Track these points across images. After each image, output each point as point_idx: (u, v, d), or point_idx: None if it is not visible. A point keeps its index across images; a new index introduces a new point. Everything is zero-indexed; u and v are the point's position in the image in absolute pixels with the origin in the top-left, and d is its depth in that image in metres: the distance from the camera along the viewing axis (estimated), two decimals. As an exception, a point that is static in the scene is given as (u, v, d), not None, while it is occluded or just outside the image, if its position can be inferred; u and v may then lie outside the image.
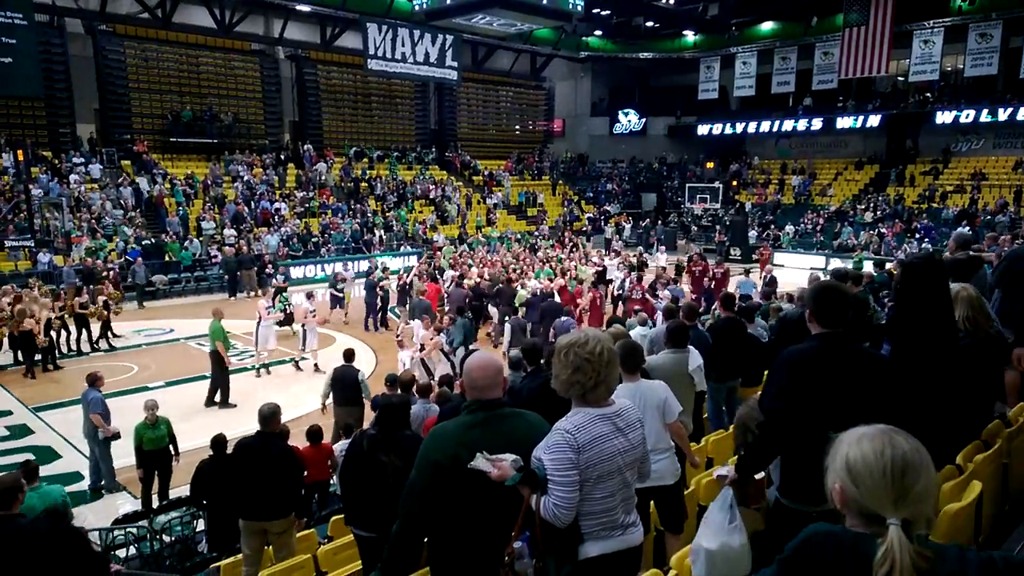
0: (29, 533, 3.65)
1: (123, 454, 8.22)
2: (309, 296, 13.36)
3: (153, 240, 20.54)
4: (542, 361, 5.00)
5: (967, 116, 27.37)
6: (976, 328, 3.53)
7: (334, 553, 4.68)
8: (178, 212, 22.23)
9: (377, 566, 2.55)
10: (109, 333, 14.50)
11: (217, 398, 10.83)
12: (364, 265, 21.00)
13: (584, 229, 30.50)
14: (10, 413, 10.61)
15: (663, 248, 23.78)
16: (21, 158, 19.04)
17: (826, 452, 1.68)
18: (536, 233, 28.53)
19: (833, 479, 1.38)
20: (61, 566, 3.47)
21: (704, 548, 2.46)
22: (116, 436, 8.05)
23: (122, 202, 21.67)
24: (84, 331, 14.02)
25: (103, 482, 8.22)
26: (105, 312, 14.37)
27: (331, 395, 8.90)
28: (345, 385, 8.62)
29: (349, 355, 8.98)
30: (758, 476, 2.85)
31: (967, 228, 21.78)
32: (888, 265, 12.74)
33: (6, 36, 18.85)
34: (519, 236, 27.44)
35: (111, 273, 17.64)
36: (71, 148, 22.65)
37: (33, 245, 18.18)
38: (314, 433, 7.14)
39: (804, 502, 2.63)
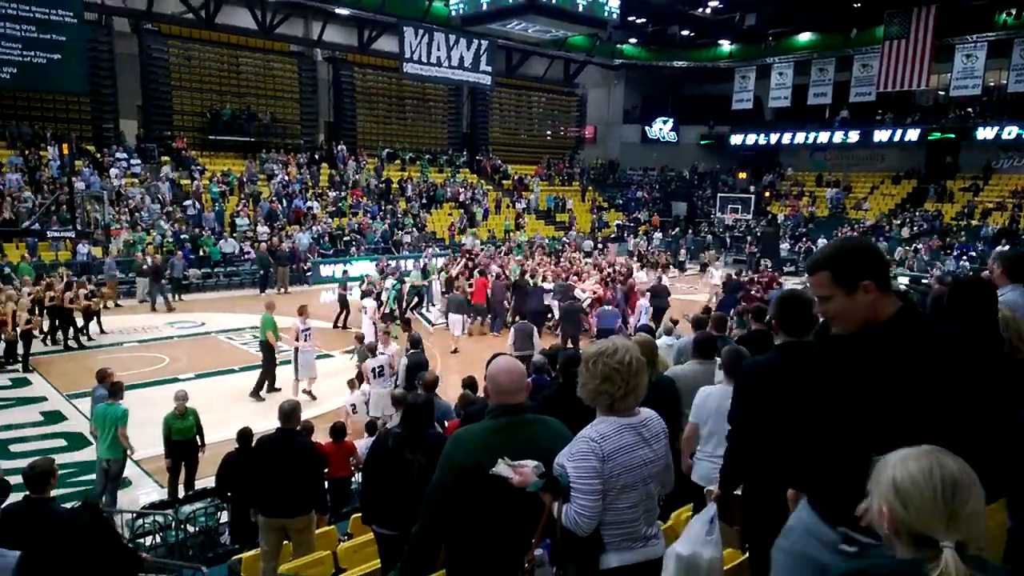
0: (63, 520, 3.74)
1: (148, 443, 8.38)
2: (367, 294, 13.83)
3: (187, 235, 20.95)
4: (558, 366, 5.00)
5: (1009, 132, 26.71)
6: (1012, 351, 3.45)
7: (354, 551, 4.72)
8: (214, 208, 22.67)
9: (396, 565, 2.57)
10: (90, 328, 14.29)
11: (264, 390, 11.14)
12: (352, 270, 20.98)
13: (611, 236, 30.40)
14: (45, 399, 10.90)
15: (717, 263, 22.24)
16: (66, 152, 19.61)
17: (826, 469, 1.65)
18: (565, 239, 28.50)
19: (879, 501, 1.33)
20: (93, 556, 3.54)
21: (676, 552, 2.44)
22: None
23: (160, 197, 22.16)
24: (71, 327, 13.73)
25: (93, 490, 7.85)
26: (91, 302, 14.24)
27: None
28: (420, 371, 8.98)
29: (416, 342, 9.50)
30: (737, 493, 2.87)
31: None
32: (925, 281, 12.48)
33: (56, 34, 19.42)
34: (545, 241, 27.42)
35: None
36: (114, 143, 23.24)
37: (74, 236, 18.67)
38: (337, 430, 7.22)
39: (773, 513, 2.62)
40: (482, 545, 2.37)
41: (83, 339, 14.04)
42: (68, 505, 6.00)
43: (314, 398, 10.99)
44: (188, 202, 22.10)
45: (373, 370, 9.60)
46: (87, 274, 17.85)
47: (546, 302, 15.56)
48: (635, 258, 25.16)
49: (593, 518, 2.14)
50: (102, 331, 14.71)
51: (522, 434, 2.36)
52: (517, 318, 13.97)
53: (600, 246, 27.77)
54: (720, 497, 2.78)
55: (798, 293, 2.92)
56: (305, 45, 27.82)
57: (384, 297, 15.71)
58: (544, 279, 16.43)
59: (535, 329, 12.28)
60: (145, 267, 17.44)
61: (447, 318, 14.91)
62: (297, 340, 10.80)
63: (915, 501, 1.27)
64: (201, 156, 25.11)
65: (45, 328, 13.74)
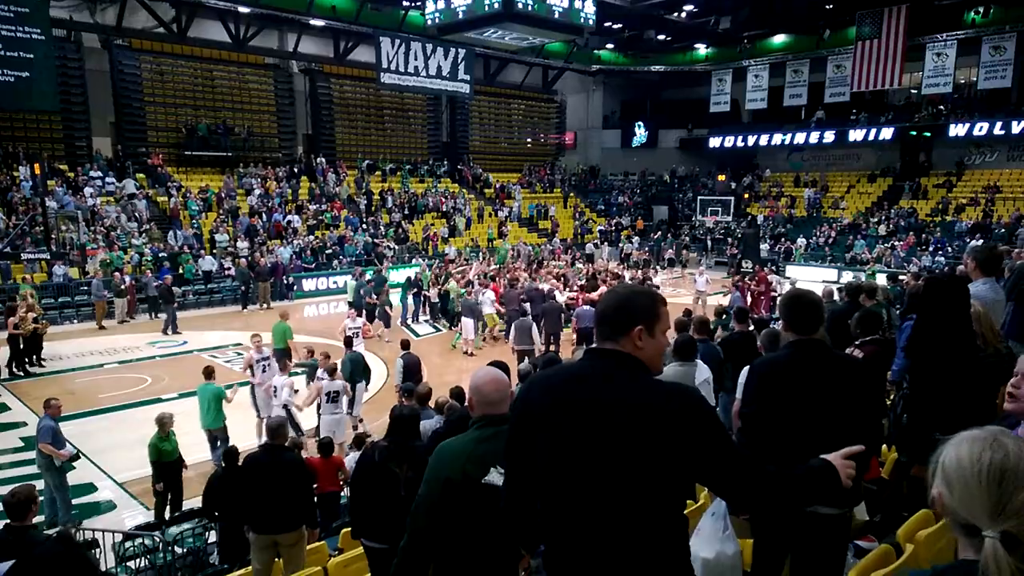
0: (40, 551, 3.66)
1: (135, 465, 8.28)
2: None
3: (166, 253, 20.70)
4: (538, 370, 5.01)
5: (980, 129, 27.20)
6: (985, 344, 3.52)
7: (344, 565, 4.67)
8: (192, 225, 22.44)
9: (387, 580, 2.55)
10: (34, 356, 13.56)
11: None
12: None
13: (594, 242, 30.52)
14: (25, 424, 10.69)
15: (701, 268, 21.46)
16: (38, 171, 19.30)
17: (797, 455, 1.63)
18: (546, 246, 28.56)
19: (934, 486, 1.25)
20: None
21: (701, 557, 2.44)
22: (76, 457, 7.76)
23: (136, 215, 21.90)
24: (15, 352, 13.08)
25: (59, 516, 7.52)
26: (38, 327, 13.50)
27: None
28: (415, 370, 9.44)
29: (406, 344, 10.16)
30: None
31: (981, 240, 21.58)
32: (902, 277, 12.63)
33: (24, 51, 19.13)
34: (531, 248, 27.47)
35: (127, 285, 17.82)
36: (87, 162, 22.93)
37: (49, 258, 18.38)
38: (325, 445, 7.18)
39: None
40: (473, 556, 2.36)
41: (22, 368, 13.17)
42: (48, 532, 5.90)
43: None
44: (171, 232, 21.76)
45: (327, 394, 9.04)
46: (65, 295, 17.72)
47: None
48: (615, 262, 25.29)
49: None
50: (40, 363, 13.67)
51: (508, 443, 2.36)
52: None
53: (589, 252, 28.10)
54: None
55: (804, 292, 2.94)
56: (280, 57, 27.70)
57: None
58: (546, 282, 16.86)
59: (534, 326, 12.61)
60: (134, 286, 17.27)
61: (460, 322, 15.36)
62: (253, 374, 9.71)
63: (958, 486, 1.19)
64: (177, 172, 24.85)
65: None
